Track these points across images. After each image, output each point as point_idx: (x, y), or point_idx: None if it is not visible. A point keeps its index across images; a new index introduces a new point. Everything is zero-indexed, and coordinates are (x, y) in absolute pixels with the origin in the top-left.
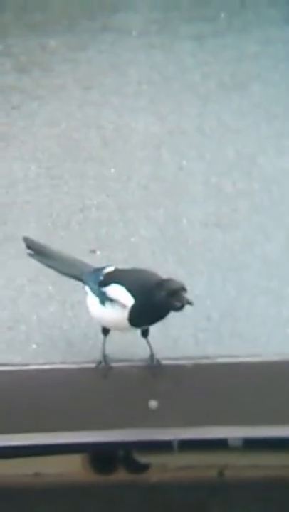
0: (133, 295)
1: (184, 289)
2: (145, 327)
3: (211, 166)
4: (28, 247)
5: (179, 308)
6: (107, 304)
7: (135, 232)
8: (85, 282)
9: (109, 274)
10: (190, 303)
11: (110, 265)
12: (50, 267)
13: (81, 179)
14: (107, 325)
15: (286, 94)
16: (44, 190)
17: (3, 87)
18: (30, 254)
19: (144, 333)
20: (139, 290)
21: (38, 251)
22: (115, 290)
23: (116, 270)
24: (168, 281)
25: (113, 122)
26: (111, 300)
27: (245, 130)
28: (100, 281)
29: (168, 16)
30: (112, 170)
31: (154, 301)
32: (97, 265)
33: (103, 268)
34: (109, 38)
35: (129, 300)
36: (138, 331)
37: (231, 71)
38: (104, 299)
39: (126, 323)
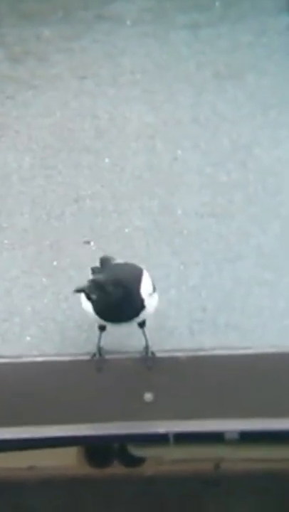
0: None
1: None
2: (120, 322)
3: (206, 156)
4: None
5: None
6: (86, 299)
7: (129, 222)
8: None
9: (104, 263)
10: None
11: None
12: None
13: (75, 169)
14: (90, 319)
15: (281, 85)
16: (38, 181)
17: None
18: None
19: (141, 324)
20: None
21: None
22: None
23: (113, 263)
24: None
25: (108, 112)
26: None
27: (241, 120)
28: (92, 269)
29: (162, 5)
30: (107, 160)
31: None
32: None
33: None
34: (103, 27)
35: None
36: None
37: (226, 61)
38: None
39: (98, 317)
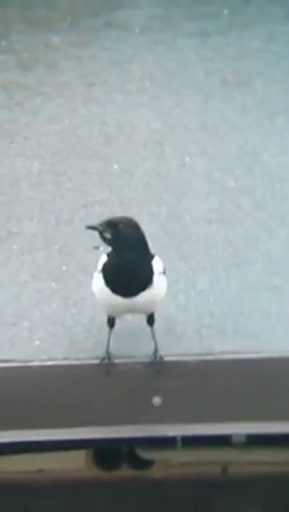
0: (108, 258)
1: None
2: (128, 294)
3: (214, 162)
4: None
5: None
6: (96, 274)
7: None
8: None
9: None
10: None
11: None
12: None
13: (84, 176)
14: (98, 300)
15: None
16: (47, 187)
17: (6, 83)
18: None
19: (150, 320)
20: (114, 256)
21: None
22: (101, 259)
23: None
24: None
25: (116, 119)
26: (98, 270)
27: (248, 127)
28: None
29: (170, 13)
30: (115, 166)
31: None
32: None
33: None
34: (112, 35)
35: (101, 263)
36: (144, 319)
37: (234, 68)
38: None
39: (107, 290)
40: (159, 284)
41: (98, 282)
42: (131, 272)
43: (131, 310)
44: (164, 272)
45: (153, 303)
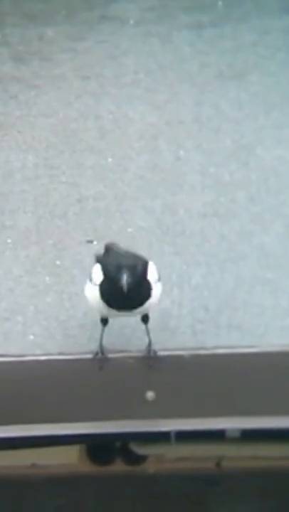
0: (104, 272)
1: (124, 268)
2: (125, 310)
3: (209, 156)
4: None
5: (120, 287)
6: (90, 283)
7: (132, 222)
8: None
9: (108, 251)
10: (122, 285)
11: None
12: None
13: (78, 169)
14: (92, 306)
15: (284, 84)
16: (41, 180)
17: (1, 76)
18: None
19: (144, 319)
20: (107, 269)
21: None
22: (95, 269)
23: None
24: (118, 262)
25: (111, 112)
26: (91, 279)
27: (243, 120)
28: (97, 257)
29: (165, 5)
30: (110, 160)
31: (108, 281)
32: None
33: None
34: (107, 27)
35: (98, 278)
36: (139, 317)
37: (229, 61)
38: (90, 277)
39: (102, 303)
40: (156, 292)
41: (93, 294)
42: (129, 294)
43: (125, 315)
44: (158, 279)
45: (148, 309)
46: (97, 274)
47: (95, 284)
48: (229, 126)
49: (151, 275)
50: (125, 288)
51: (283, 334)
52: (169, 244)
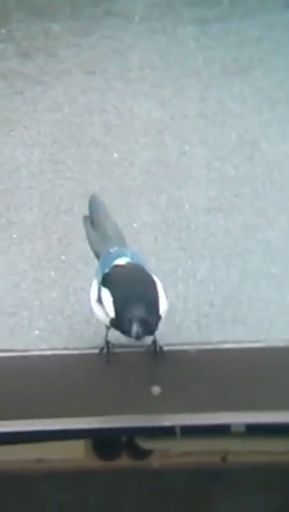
0: (116, 311)
1: (137, 321)
2: None
3: (214, 150)
4: (90, 207)
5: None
6: (99, 304)
7: (137, 217)
8: (98, 265)
9: (115, 269)
10: (135, 336)
11: (125, 254)
12: (89, 240)
13: (84, 164)
14: (98, 319)
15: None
16: (47, 176)
17: (6, 72)
18: (85, 218)
19: None
20: (119, 308)
21: (92, 215)
22: (105, 297)
23: (122, 267)
24: (130, 309)
25: (116, 107)
26: (101, 302)
27: (248, 115)
28: (104, 275)
29: (170, 1)
30: (115, 155)
31: (120, 324)
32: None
33: (117, 257)
34: (112, 23)
35: (111, 313)
36: None
37: (234, 56)
38: (98, 297)
39: (110, 324)
40: (163, 313)
41: (104, 318)
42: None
43: None
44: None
45: None
46: (109, 306)
47: (107, 314)
48: (234, 121)
49: (162, 303)
50: (136, 338)
51: (288, 329)
52: (174, 238)
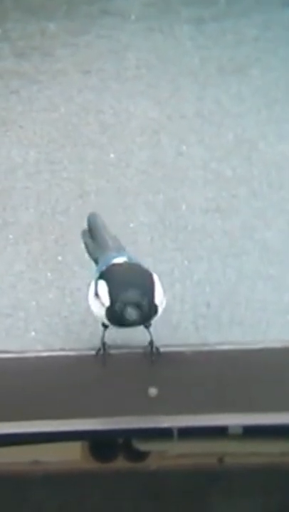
0: (111, 297)
1: (131, 304)
2: (126, 327)
3: (211, 151)
4: (88, 223)
5: (125, 322)
6: (96, 298)
7: (134, 217)
8: (96, 268)
9: (112, 266)
10: (129, 319)
11: (122, 255)
12: (87, 250)
13: (80, 164)
14: (96, 316)
15: (286, 79)
16: (43, 176)
17: (2, 71)
18: (83, 232)
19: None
20: (114, 294)
21: (91, 230)
22: (101, 287)
23: (120, 265)
24: (124, 293)
25: (112, 107)
26: (97, 295)
27: (245, 115)
28: (101, 272)
29: (167, 0)
30: (111, 155)
31: (115, 310)
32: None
33: (115, 257)
34: (108, 22)
35: (106, 301)
36: None
37: (231, 55)
38: (95, 291)
39: (107, 321)
40: (161, 307)
41: (100, 312)
42: (135, 321)
43: None
44: (163, 293)
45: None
46: (105, 295)
47: (103, 305)
48: (231, 121)
49: (158, 294)
50: (130, 322)
51: (285, 330)
52: (171, 239)
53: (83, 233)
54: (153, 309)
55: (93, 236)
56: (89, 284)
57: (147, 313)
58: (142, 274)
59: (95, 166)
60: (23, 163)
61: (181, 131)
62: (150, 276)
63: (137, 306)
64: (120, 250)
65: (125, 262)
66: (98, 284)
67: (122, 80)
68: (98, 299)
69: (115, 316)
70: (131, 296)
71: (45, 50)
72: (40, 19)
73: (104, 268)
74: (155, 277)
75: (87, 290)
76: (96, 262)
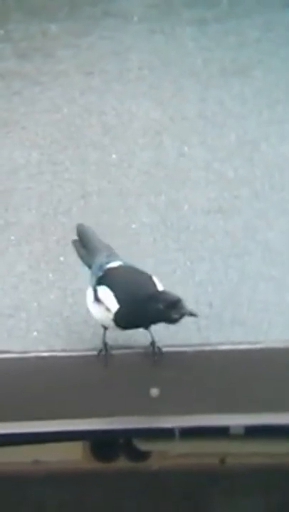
0: (119, 302)
1: (181, 301)
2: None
3: (213, 152)
4: (78, 233)
5: (176, 320)
6: (97, 303)
7: (136, 218)
8: (90, 274)
9: (109, 271)
10: (193, 314)
11: (117, 260)
12: (80, 257)
13: (82, 165)
14: (97, 320)
15: (287, 80)
16: (45, 177)
17: (4, 72)
18: (74, 241)
19: None
20: (125, 299)
21: (81, 239)
22: (104, 292)
23: (116, 269)
24: (163, 293)
25: (114, 108)
26: (99, 300)
27: (247, 116)
28: (98, 277)
29: (169, 2)
30: (114, 156)
31: (147, 311)
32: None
33: (109, 262)
34: (110, 23)
35: (113, 305)
36: None
37: (233, 56)
38: (95, 296)
39: (112, 323)
40: None
41: (104, 316)
42: (140, 324)
43: None
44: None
45: None
46: (111, 299)
47: (108, 310)
48: (233, 122)
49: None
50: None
51: (287, 330)
52: (173, 240)
53: (74, 243)
54: (157, 314)
55: (85, 244)
56: (86, 293)
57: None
58: (142, 276)
59: (97, 166)
60: (26, 164)
61: (184, 132)
62: (150, 277)
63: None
64: (113, 255)
65: (120, 266)
66: (98, 290)
67: (125, 81)
68: (101, 305)
69: (128, 318)
70: (168, 295)
71: (47, 51)
72: (43, 20)
73: (100, 274)
74: (155, 279)
75: (86, 292)
76: (90, 267)
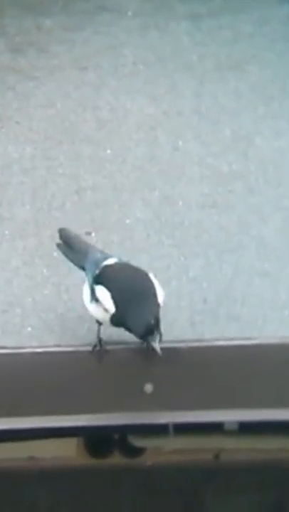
0: (116, 304)
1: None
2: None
3: (207, 147)
4: (61, 237)
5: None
6: (94, 302)
7: (130, 213)
8: (85, 271)
9: (105, 268)
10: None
11: (111, 256)
12: (69, 259)
13: (77, 160)
14: (94, 317)
15: (283, 75)
16: (39, 172)
17: None
18: (58, 245)
19: None
20: (122, 302)
21: (66, 242)
22: (102, 293)
23: (112, 266)
24: (146, 315)
25: (109, 103)
26: (97, 300)
27: (242, 111)
28: (95, 276)
29: None
30: (108, 151)
31: (131, 326)
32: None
33: (104, 259)
34: (104, 18)
35: (111, 307)
36: None
37: (228, 51)
38: (93, 295)
39: (109, 322)
40: (161, 299)
41: (102, 315)
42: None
43: None
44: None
45: None
46: (108, 301)
47: (107, 311)
48: (228, 117)
49: (159, 292)
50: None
51: (282, 326)
52: (167, 235)
53: (58, 246)
54: (158, 310)
55: (71, 246)
56: (82, 290)
57: (158, 320)
58: (139, 275)
59: (92, 162)
60: (19, 158)
61: (178, 128)
62: (147, 276)
63: (154, 322)
64: (104, 252)
65: (116, 263)
66: (96, 290)
67: (119, 76)
68: (98, 305)
69: (123, 324)
70: (146, 316)
71: (41, 46)
72: (37, 15)
73: (97, 272)
74: (151, 276)
75: (83, 288)
76: (83, 268)
